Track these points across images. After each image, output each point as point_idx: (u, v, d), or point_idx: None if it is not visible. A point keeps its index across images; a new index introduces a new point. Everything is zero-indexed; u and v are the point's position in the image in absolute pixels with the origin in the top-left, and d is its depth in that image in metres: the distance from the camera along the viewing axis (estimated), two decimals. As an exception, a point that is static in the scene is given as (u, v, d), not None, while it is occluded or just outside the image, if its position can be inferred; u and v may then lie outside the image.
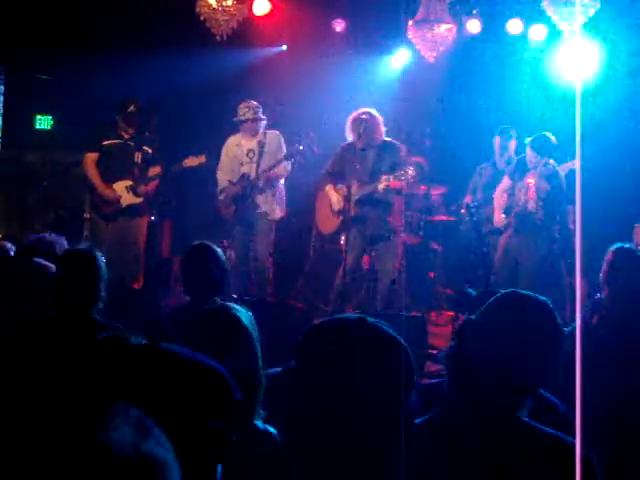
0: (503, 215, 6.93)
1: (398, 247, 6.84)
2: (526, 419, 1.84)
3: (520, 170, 6.89)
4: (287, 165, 7.11)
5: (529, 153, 6.77)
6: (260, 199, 7.06)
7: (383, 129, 6.71)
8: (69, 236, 7.82)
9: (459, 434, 1.82)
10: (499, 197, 7.03)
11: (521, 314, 1.92)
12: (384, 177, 6.45)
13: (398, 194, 6.75)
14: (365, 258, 7.22)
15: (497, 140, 7.79)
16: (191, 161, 7.05)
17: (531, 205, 6.64)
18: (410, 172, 6.38)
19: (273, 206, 7.09)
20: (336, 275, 6.84)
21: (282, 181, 7.20)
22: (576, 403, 1.62)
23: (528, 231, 6.74)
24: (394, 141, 6.77)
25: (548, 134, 6.74)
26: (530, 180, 6.68)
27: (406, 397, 1.47)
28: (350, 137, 6.71)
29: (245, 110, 7.06)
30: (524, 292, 2.02)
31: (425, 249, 8.00)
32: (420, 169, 8.10)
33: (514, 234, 6.86)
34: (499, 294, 1.99)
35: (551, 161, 6.73)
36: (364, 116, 6.60)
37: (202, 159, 7.05)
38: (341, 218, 6.72)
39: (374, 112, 6.68)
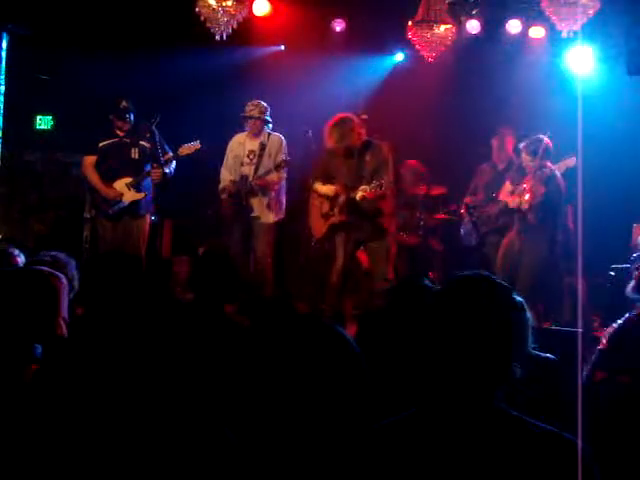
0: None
1: (391, 247, 6.80)
2: (515, 413, 1.76)
3: (519, 174, 6.90)
4: (280, 173, 7.10)
5: (524, 157, 6.77)
6: (254, 202, 7.08)
7: (362, 130, 6.64)
8: (69, 236, 7.89)
9: (436, 434, 1.73)
10: (505, 198, 7.07)
11: (473, 298, 1.80)
12: (362, 187, 6.40)
13: (383, 198, 6.65)
14: (363, 258, 7.22)
15: (495, 141, 7.80)
16: (186, 149, 7.04)
17: (525, 206, 6.66)
18: (384, 182, 6.31)
19: (265, 211, 7.10)
20: (329, 276, 6.85)
21: (277, 187, 7.20)
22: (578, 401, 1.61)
23: (530, 233, 6.74)
24: (375, 140, 6.70)
25: (542, 136, 6.74)
26: (525, 184, 6.69)
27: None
28: (329, 144, 6.69)
29: (252, 107, 7.09)
30: (476, 275, 1.88)
31: (425, 249, 8.00)
32: (416, 173, 8.11)
33: (516, 235, 6.87)
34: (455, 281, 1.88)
35: (548, 164, 6.73)
36: (338, 121, 6.56)
37: (197, 146, 7.05)
38: (329, 222, 6.72)
39: (350, 116, 6.62)
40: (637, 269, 4.22)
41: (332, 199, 6.67)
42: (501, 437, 1.70)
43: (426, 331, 1.78)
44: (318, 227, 6.92)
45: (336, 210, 6.63)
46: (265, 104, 7.14)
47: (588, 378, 3.61)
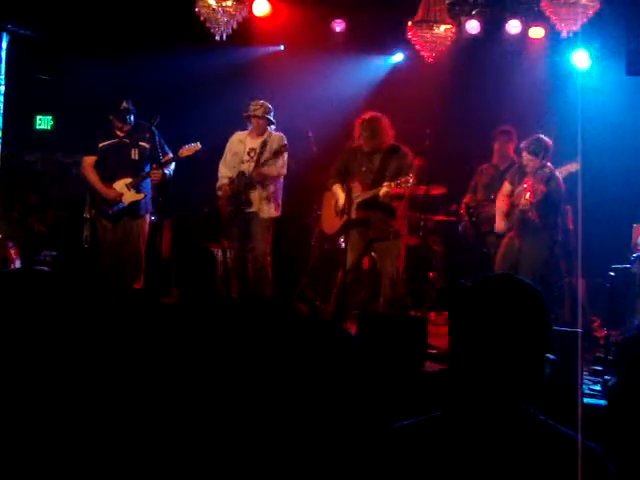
0: (503, 223, 6.94)
1: (401, 249, 6.82)
2: (542, 417, 1.75)
3: (519, 174, 6.89)
4: (281, 167, 7.11)
5: (525, 157, 6.76)
6: (253, 196, 7.08)
7: (391, 132, 6.68)
8: (69, 236, 7.89)
9: (464, 436, 1.71)
10: (501, 202, 7.04)
11: (511, 300, 1.78)
12: (386, 183, 6.44)
13: (400, 199, 6.71)
14: (366, 259, 7.23)
15: (496, 143, 7.79)
16: (186, 151, 7.05)
17: (525, 205, 6.65)
18: (411, 179, 6.37)
19: (264, 205, 7.10)
20: (336, 275, 6.85)
21: (280, 179, 7.21)
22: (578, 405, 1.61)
23: (530, 233, 6.74)
24: (401, 145, 6.73)
25: (542, 136, 6.74)
26: (526, 184, 6.68)
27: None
28: (357, 140, 6.70)
29: (257, 107, 7.10)
30: (514, 278, 1.86)
31: (425, 249, 8.00)
32: (420, 171, 8.10)
33: (516, 236, 6.87)
34: (487, 282, 1.87)
35: (548, 164, 6.73)
36: (371, 119, 6.59)
37: (197, 147, 7.07)
38: (343, 219, 6.73)
39: (381, 115, 6.65)
40: None
41: (348, 196, 6.65)
42: (528, 440, 1.69)
43: (458, 333, 1.77)
44: (332, 224, 6.93)
45: (353, 207, 6.62)
46: (269, 105, 7.16)
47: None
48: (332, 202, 6.90)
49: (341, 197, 6.75)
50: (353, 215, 6.61)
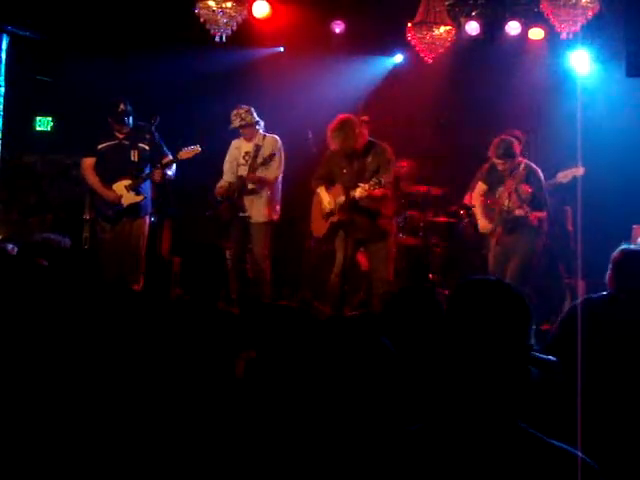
0: (485, 221, 6.87)
1: (390, 249, 6.78)
2: (531, 430, 1.68)
3: (496, 177, 6.81)
4: (276, 169, 7.12)
5: (496, 161, 6.69)
6: (246, 201, 7.10)
7: (364, 131, 6.60)
8: (68, 238, 7.88)
9: (450, 447, 1.66)
10: (477, 200, 6.97)
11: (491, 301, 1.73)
12: (360, 185, 6.40)
13: (380, 200, 6.59)
14: (362, 259, 7.21)
15: None
16: (185, 154, 7.05)
17: (518, 212, 6.60)
18: (383, 180, 6.30)
19: (255, 210, 7.11)
20: (330, 276, 6.84)
21: (277, 183, 7.21)
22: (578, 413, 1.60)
23: (514, 228, 6.69)
24: (378, 142, 6.67)
25: (507, 137, 6.69)
26: (507, 189, 6.63)
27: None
28: (332, 146, 6.69)
29: (233, 118, 7.12)
30: (488, 279, 1.81)
31: (425, 250, 7.99)
32: (409, 173, 8.10)
33: (503, 234, 6.81)
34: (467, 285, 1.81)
35: (522, 160, 6.69)
36: (340, 122, 6.54)
37: (197, 150, 7.07)
38: (330, 222, 6.72)
39: (351, 117, 6.57)
40: None
41: (333, 199, 6.66)
42: (516, 453, 1.64)
43: (441, 338, 1.73)
44: (319, 227, 6.92)
45: (336, 210, 6.63)
46: (245, 107, 7.11)
47: None
48: (318, 206, 6.89)
49: (325, 198, 6.75)
50: (337, 218, 6.61)
